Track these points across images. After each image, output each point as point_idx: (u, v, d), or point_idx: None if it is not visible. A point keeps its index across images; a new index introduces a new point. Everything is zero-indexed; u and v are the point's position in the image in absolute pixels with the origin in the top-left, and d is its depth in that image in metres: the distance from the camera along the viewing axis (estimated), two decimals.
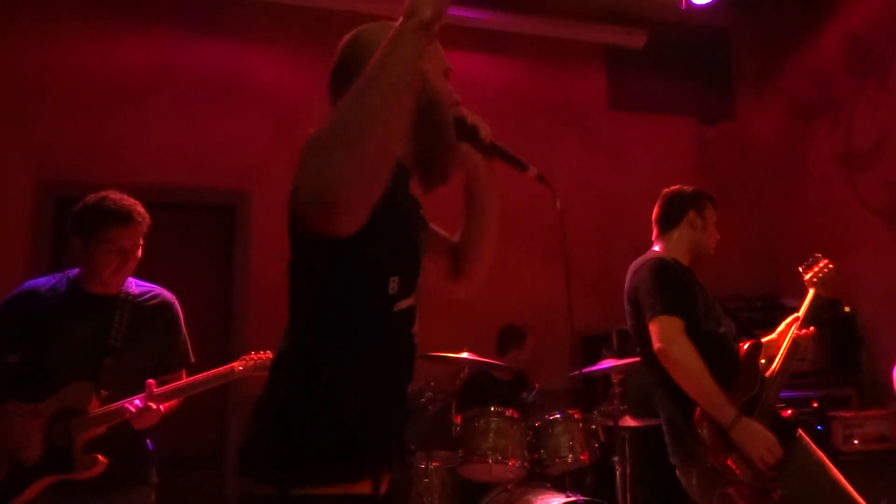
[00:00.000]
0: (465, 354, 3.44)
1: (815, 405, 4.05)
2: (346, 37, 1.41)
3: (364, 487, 1.24)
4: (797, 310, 2.54)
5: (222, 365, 2.43)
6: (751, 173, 5.59)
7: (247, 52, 4.81)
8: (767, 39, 5.69)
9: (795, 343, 2.44)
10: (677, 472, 2.40)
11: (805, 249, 5.06)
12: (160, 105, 4.59)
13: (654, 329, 2.29)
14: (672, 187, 2.68)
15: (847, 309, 4.57)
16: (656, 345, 2.27)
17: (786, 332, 2.51)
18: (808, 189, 5.20)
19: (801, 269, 2.63)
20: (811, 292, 2.55)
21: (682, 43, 5.60)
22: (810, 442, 2.36)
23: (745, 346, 2.39)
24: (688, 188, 2.65)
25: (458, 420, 3.34)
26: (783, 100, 5.49)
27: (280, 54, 4.85)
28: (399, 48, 1.07)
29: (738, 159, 5.64)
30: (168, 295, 2.47)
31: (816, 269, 2.59)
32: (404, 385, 1.33)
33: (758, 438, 2.17)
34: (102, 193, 2.28)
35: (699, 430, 2.22)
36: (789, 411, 2.40)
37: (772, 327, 2.60)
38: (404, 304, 1.29)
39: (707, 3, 4.96)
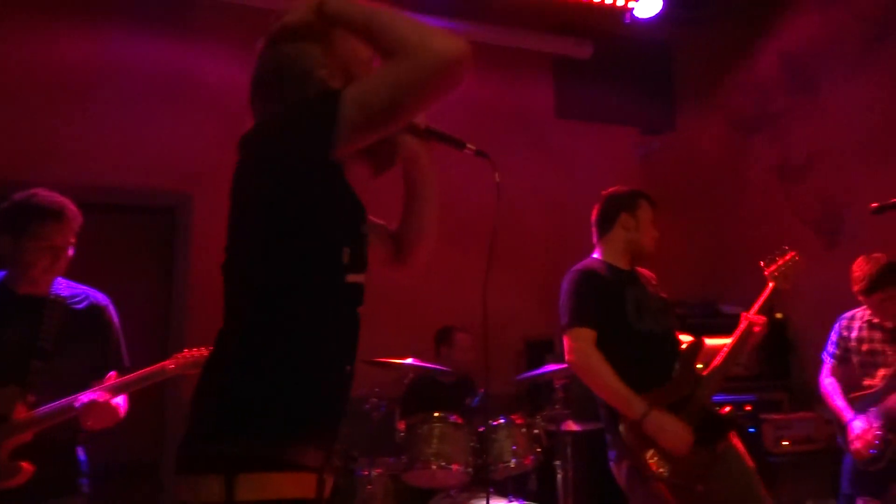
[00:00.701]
0: (409, 360, 3.44)
1: (749, 409, 4.19)
2: (264, 49, 1.44)
3: (308, 491, 1.22)
4: (734, 316, 2.62)
5: None
6: (691, 183, 5.75)
7: (195, 51, 4.71)
8: (708, 55, 5.87)
9: (748, 326, 2.51)
10: (612, 465, 2.47)
11: (742, 258, 5.26)
12: (104, 104, 4.46)
13: (565, 341, 2.43)
14: (608, 190, 2.73)
15: (779, 315, 4.75)
16: (566, 356, 2.41)
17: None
18: (746, 200, 5.39)
19: (762, 263, 2.68)
20: (770, 286, 2.62)
21: (627, 55, 5.74)
22: (743, 450, 2.44)
23: (685, 345, 2.49)
24: (622, 190, 2.70)
25: (402, 426, 3.33)
26: (723, 113, 5.68)
27: (230, 55, 4.75)
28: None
29: (679, 170, 5.79)
30: (101, 297, 2.39)
31: (781, 262, 2.65)
32: (348, 362, 1.34)
33: (668, 429, 2.25)
34: (32, 191, 2.23)
35: (621, 430, 2.31)
36: (728, 408, 2.48)
37: (710, 333, 2.66)
38: (354, 277, 1.31)
39: (651, 18, 5.10)
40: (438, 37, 1.20)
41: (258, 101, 1.43)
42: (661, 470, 2.24)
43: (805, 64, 4.90)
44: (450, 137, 1.50)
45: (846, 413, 3.17)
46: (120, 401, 2.30)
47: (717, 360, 2.50)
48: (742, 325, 2.54)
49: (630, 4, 5.02)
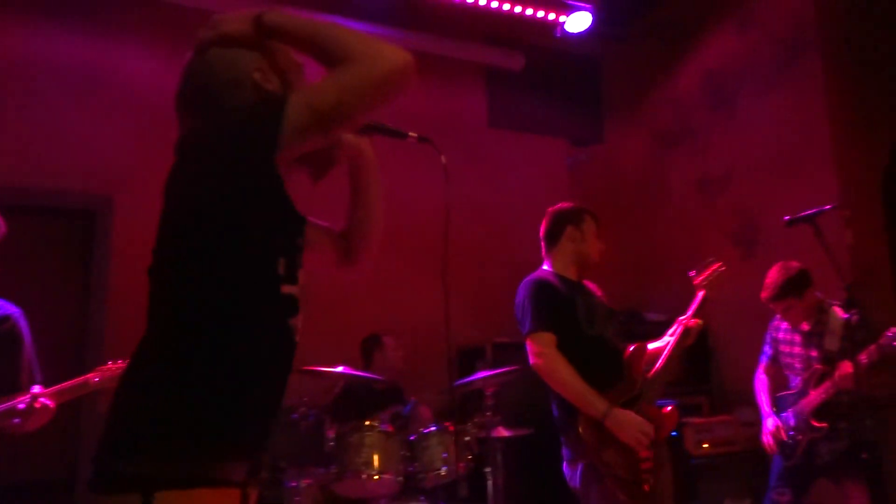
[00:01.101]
0: (340, 369, 3.39)
1: (671, 408, 4.32)
2: (194, 56, 1.41)
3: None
4: (659, 324, 2.75)
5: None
6: (617, 194, 5.91)
7: (116, 48, 4.52)
8: (633, 70, 6.08)
9: (686, 330, 2.70)
10: (565, 464, 2.57)
11: (665, 267, 5.45)
12: (15, 101, 4.22)
13: (528, 345, 2.52)
14: (555, 206, 2.87)
15: (698, 324, 4.94)
16: (531, 360, 2.51)
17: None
18: (668, 211, 5.59)
19: (691, 273, 2.84)
20: (700, 294, 2.77)
21: (557, 68, 5.88)
22: (668, 457, 2.63)
23: (630, 349, 2.62)
24: (567, 206, 2.85)
25: (332, 435, 3.28)
26: (647, 127, 5.88)
27: (153, 54, 4.59)
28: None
29: (605, 180, 5.96)
30: (12, 308, 2.26)
31: (708, 272, 2.80)
32: (279, 375, 1.31)
33: (629, 424, 2.40)
34: None
35: (580, 430, 2.41)
36: (669, 408, 2.63)
37: (637, 340, 2.78)
38: (289, 289, 1.30)
39: (581, 33, 5.23)
40: (385, 45, 1.26)
41: (186, 108, 1.39)
42: (618, 469, 2.38)
43: (724, 81, 5.14)
44: (391, 129, 1.55)
45: (764, 409, 3.36)
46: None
47: (660, 364, 2.66)
48: (679, 329, 2.71)
49: (561, 19, 5.14)
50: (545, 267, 2.78)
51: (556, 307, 2.57)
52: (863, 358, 2.85)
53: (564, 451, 2.58)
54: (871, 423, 3.06)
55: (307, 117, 1.21)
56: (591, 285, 2.84)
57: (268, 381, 1.28)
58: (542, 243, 2.83)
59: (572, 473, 2.53)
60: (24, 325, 2.28)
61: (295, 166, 1.37)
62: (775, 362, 3.44)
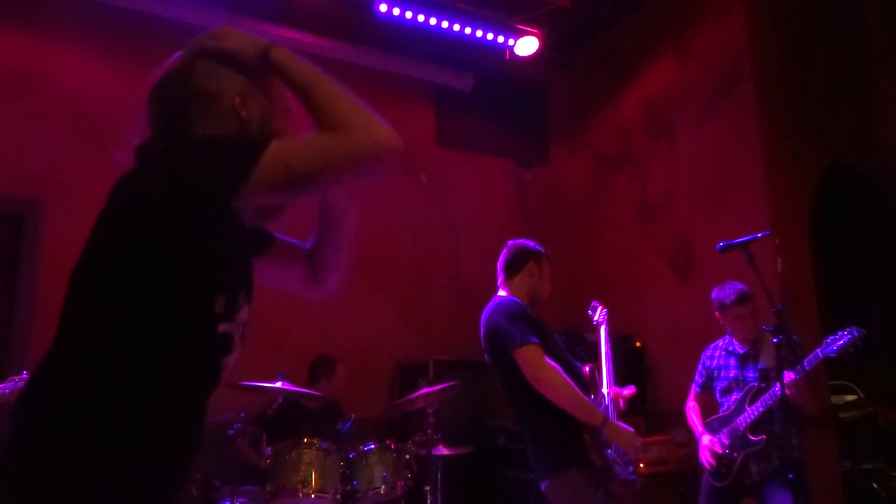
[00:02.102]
0: (279, 384, 3.32)
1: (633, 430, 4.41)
2: (181, 58, 1.36)
3: None
4: (598, 345, 2.90)
5: None
6: (560, 216, 6.03)
7: (48, 47, 4.36)
8: (578, 95, 6.23)
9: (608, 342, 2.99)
10: (548, 482, 2.60)
11: (604, 288, 5.57)
12: None
13: (520, 359, 2.55)
14: (516, 240, 2.98)
15: (637, 344, 5.05)
16: (527, 372, 2.53)
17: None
18: (609, 234, 5.72)
19: (589, 312, 3.22)
20: (602, 329, 3.10)
21: (505, 90, 5.97)
22: None
23: (587, 369, 2.77)
24: (530, 243, 2.97)
25: (269, 452, 3.20)
26: (590, 151, 6.02)
27: (88, 55, 4.46)
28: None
29: (549, 202, 6.06)
30: None
31: (600, 311, 3.22)
32: (200, 413, 1.27)
33: (624, 433, 2.55)
34: None
35: (584, 436, 2.52)
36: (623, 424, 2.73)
37: (578, 361, 2.89)
38: (225, 327, 1.25)
39: (528, 57, 5.34)
40: (379, 124, 1.24)
41: (158, 103, 1.33)
42: (617, 466, 2.58)
43: (663, 110, 5.32)
44: None
45: (697, 430, 3.46)
46: None
47: (610, 381, 2.83)
48: (605, 345, 3.00)
49: (510, 42, 5.23)
50: (503, 293, 2.85)
51: (536, 325, 2.66)
52: (806, 366, 2.96)
53: (544, 464, 2.61)
54: (798, 441, 3.17)
55: (281, 175, 1.17)
56: None
57: (185, 416, 1.23)
58: (501, 273, 2.91)
59: (560, 484, 2.57)
60: None
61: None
62: (706, 390, 3.55)
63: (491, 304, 2.77)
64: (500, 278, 2.91)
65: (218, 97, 1.31)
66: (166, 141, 1.26)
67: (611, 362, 2.90)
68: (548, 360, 2.54)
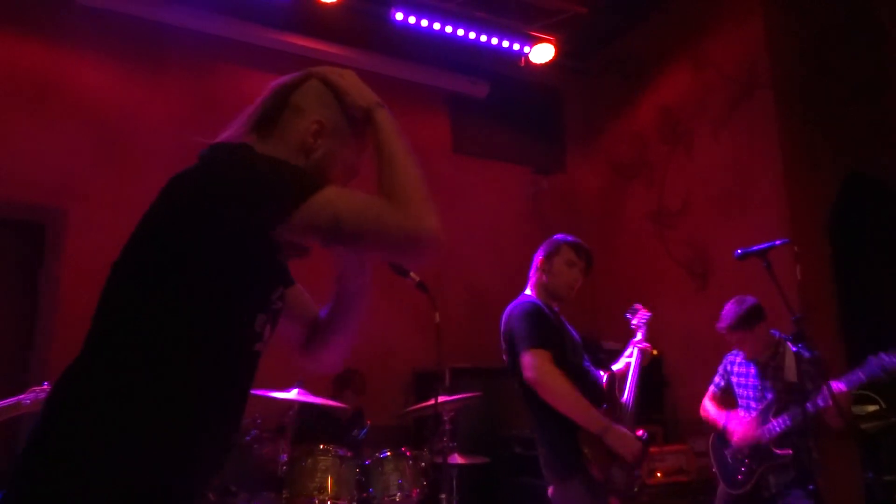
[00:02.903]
0: (295, 392, 3.34)
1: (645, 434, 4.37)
2: (299, 76, 1.40)
3: None
4: (615, 352, 2.87)
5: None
6: (576, 223, 6.00)
7: (70, 57, 4.43)
8: (594, 102, 6.22)
9: (642, 352, 2.87)
10: (553, 488, 2.58)
11: (620, 296, 5.53)
12: None
13: (525, 361, 2.53)
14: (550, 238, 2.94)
15: (655, 352, 5.00)
16: (528, 374, 2.51)
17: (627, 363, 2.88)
18: (625, 241, 5.69)
19: (628, 315, 3.06)
20: (639, 334, 2.96)
21: (521, 97, 5.98)
22: None
23: (605, 377, 2.71)
24: (551, 238, 2.91)
25: (285, 458, 3.21)
26: (606, 159, 6.01)
27: (108, 64, 4.52)
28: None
29: (565, 209, 6.04)
30: None
31: (640, 314, 3.04)
32: (232, 429, 1.26)
33: (627, 440, 2.51)
34: None
35: (583, 448, 2.47)
36: (641, 432, 2.68)
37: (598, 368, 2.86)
38: (258, 346, 1.26)
39: (544, 63, 5.34)
40: (434, 218, 1.22)
41: (259, 107, 1.36)
42: (621, 482, 2.51)
43: (679, 118, 5.29)
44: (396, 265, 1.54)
45: (720, 418, 3.41)
46: None
47: (631, 389, 2.76)
48: (638, 352, 2.87)
49: (525, 50, 5.24)
50: (527, 292, 2.82)
51: (548, 330, 2.62)
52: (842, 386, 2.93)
53: (551, 470, 2.59)
54: (817, 454, 3.13)
55: (325, 220, 1.16)
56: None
57: (220, 434, 1.23)
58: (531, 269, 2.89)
59: (564, 491, 2.55)
60: None
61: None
62: (725, 393, 3.51)
63: (513, 304, 2.75)
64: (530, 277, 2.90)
65: (300, 115, 1.33)
66: (231, 151, 1.25)
67: (638, 369, 2.83)
68: (551, 364, 2.51)
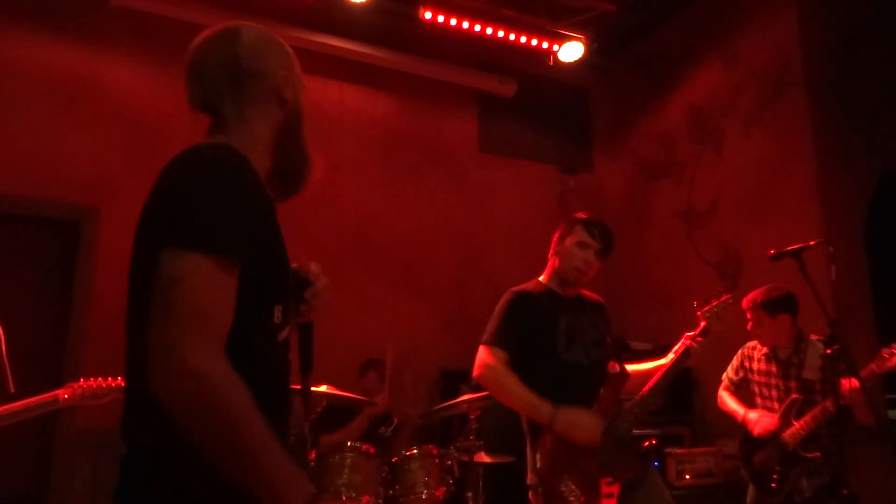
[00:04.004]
0: (323, 388, 3.36)
1: (654, 443, 4.32)
2: (226, 37, 1.40)
3: None
4: (643, 352, 2.73)
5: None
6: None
7: (103, 58, 4.51)
8: (622, 101, 6.17)
9: (687, 350, 2.51)
10: (529, 492, 2.44)
11: (648, 297, 5.48)
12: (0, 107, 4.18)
13: (478, 354, 2.48)
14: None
15: (695, 345, 4.95)
16: (475, 370, 2.46)
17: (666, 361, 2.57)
18: (653, 241, 5.63)
19: (696, 303, 2.65)
20: (702, 324, 2.57)
21: (548, 96, 5.95)
22: (661, 484, 2.53)
23: (609, 376, 2.48)
24: (570, 216, 2.72)
25: (312, 455, 3.23)
26: (633, 158, 5.95)
27: (140, 65, 4.59)
28: (266, 464, 1.08)
29: (593, 208, 5.92)
30: None
31: (715, 303, 2.61)
32: (286, 419, 1.28)
33: (579, 422, 2.30)
34: None
35: (538, 457, 2.32)
36: (652, 441, 2.50)
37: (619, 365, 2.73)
38: (284, 334, 1.26)
39: (573, 62, 5.31)
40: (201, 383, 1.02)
41: (196, 85, 1.37)
42: (572, 498, 2.24)
43: (708, 116, 5.22)
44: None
45: (740, 410, 3.32)
46: None
47: (641, 394, 2.48)
48: (682, 347, 2.52)
49: (554, 48, 5.21)
50: (541, 278, 2.70)
51: (528, 326, 2.47)
52: (865, 372, 2.85)
53: (528, 478, 2.47)
54: (850, 455, 3.07)
55: (165, 276, 1.06)
56: (591, 298, 2.73)
57: (279, 422, 1.20)
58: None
59: (535, 499, 2.41)
60: (0, 335, 2.24)
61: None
62: (739, 387, 3.44)
63: (510, 289, 2.62)
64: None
65: (261, 77, 1.34)
66: (190, 157, 1.20)
67: (672, 366, 2.50)
68: (495, 361, 2.41)
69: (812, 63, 4.54)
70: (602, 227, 2.66)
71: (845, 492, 2.84)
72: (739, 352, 3.48)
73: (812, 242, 2.72)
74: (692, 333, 2.55)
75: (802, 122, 4.48)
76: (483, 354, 2.47)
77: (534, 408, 2.34)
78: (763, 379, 3.32)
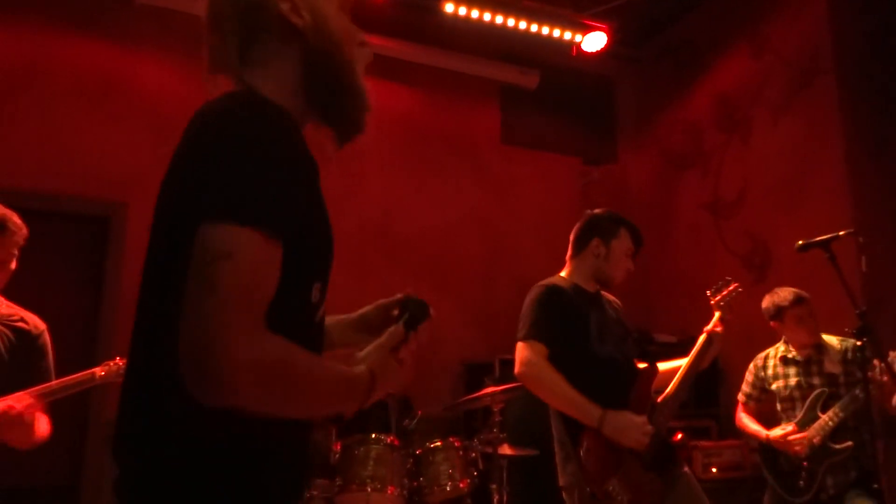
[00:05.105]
0: None
1: (681, 435, 4.29)
2: None
3: None
4: (669, 345, 2.71)
5: None
6: (628, 214, 5.83)
7: (130, 56, 4.58)
8: (647, 91, 6.10)
9: (709, 337, 2.53)
10: (564, 493, 2.42)
11: (675, 289, 5.43)
12: (31, 105, 4.27)
13: (517, 352, 2.40)
14: (595, 210, 2.71)
15: (719, 330, 4.90)
16: (516, 368, 2.37)
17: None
18: (679, 232, 5.57)
19: (708, 293, 2.68)
20: (717, 315, 2.62)
21: (572, 87, 5.90)
22: (693, 478, 2.49)
23: (640, 371, 2.48)
24: (604, 213, 2.67)
25: (338, 447, 3.27)
26: (659, 148, 5.88)
27: (167, 61, 4.65)
28: (341, 391, 1.07)
29: (617, 200, 5.94)
30: (38, 321, 2.30)
31: (725, 292, 2.65)
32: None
33: (629, 427, 2.25)
34: None
35: (583, 458, 2.27)
36: (679, 436, 2.53)
37: (646, 362, 2.71)
38: (322, 311, 1.15)
39: (596, 52, 5.26)
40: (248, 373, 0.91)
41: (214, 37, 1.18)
42: (619, 498, 2.22)
43: (736, 105, 5.14)
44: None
45: (762, 431, 3.26)
46: (44, 426, 2.19)
47: (671, 387, 2.49)
48: (703, 338, 2.54)
49: (577, 38, 5.17)
50: (563, 273, 2.64)
51: (563, 319, 2.43)
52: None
53: (562, 479, 2.44)
54: (881, 447, 3.01)
55: (208, 253, 0.92)
56: (610, 297, 2.72)
57: (304, 430, 1.17)
58: (570, 247, 2.66)
59: (570, 500, 2.39)
60: (48, 339, 2.32)
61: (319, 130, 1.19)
62: (757, 401, 3.40)
63: (536, 285, 2.56)
64: (569, 252, 2.65)
65: (262, 6, 1.14)
66: (227, 111, 1.05)
67: (696, 358, 2.51)
68: (539, 358, 2.33)
69: (842, 49, 4.44)
70: (640, 235, 2.67)
71: (876, 486, 2.79)
72: (750, 367, 3.46)
73: (842, 233, 2.66)
74: (709, 326, 2.56)
75: (832, 110, 4.39)
76: (523, 351, 2.38)
77: (582, 409, 2.29)
78: (783, 383, 3.27)
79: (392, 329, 1.16)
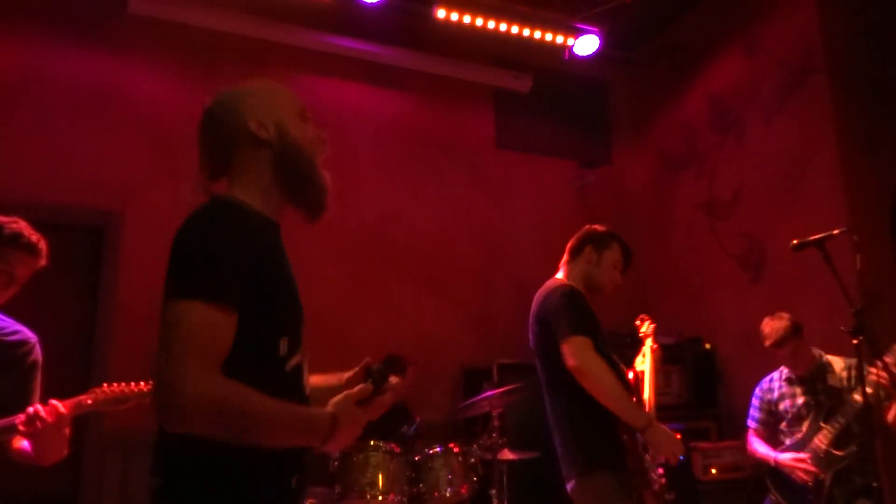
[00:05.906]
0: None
1: (679, 437, 4.29)
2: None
3: None
4: (665, 346, 2.83)
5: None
6: (624, 216, 5.92)
7: (125, 66, 4.58)
8: (641, 93, 6.11)
9: (655, 353, 2.83)
10: (575, 482, 2.48)
11: (671, 289, 5.43)
12: (26, 116, 4.26)
13: (567, 348, 2.45)
14: (593, 225, 2.90)
15: (707, 346, 4.91)
16: (571, 362, 2.43)
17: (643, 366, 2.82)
18: (675, 234, 5.58)
19: (637, 323, 3.04)
20: (649, 341, 2.93)
21: (565, 90, 5.91)
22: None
23: (632, 376, 2.67)
24: (601, 228, 2.86)
25: (336, 454, 3.26)
26: (654, 150, 5.90)
27: (162, 72, 4.65)
28: (299, 427, 1.30)
29: (613, 203, 5.96)
30: (31, 336, 2.28)
31: (649, 326, 3.02)
32: (296, 470, 1.36)
33: (668, 439, 2.42)
34: (14, 218, 2.21)
35: (622, 437, 2.41)
36: (677, 436, 2.55)
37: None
38: (294, 361, 1.34)
39: (588, 56, 5.27)
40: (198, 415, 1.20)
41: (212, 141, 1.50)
42: (653, 483, 2.44)
43: (730, 105, 5.16)
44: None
45: (770, 454, 3.29)
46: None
47: (652, 391, 2.69)
48: (651, 355, 2.82)
49: (569, 42, 5.18)
50: (559, 276, 2.77)
51: (589, 318, 2.56)
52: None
53: (574, 464, 2.49)
54: (879, 446, 3.02)
55: (165, 324, 1.23)
56: None
57: (284, 478, 1.34)
58: (566, 254, 2.84)
59: (586, 486, 2.45)
60: (40, 352, 2.30)
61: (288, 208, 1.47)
62: (767, 426, 3.42)
63: (548, 286, 2.67)
64: (564, 258, 2.83)
65: (239, 134, 1.45)
66: (200, 214, 1.33)
67: (654, 372, 2.78)
68: (594, 353, 2.44)
69: (834, 49, 4.46)
70: (630, 252, 2.84)
71: (876, 484, 2.80)
72: (756, 392, 3.50)
73: (836, 231, 2.67)
74: (653, 345, 2.90)
75: (825, 110, 4.40)
76: (577, 345, 2.44)
77: (633, 412, 2.43)
78: (789, 402, 3.31)
79: (363, 385, 1.40)
